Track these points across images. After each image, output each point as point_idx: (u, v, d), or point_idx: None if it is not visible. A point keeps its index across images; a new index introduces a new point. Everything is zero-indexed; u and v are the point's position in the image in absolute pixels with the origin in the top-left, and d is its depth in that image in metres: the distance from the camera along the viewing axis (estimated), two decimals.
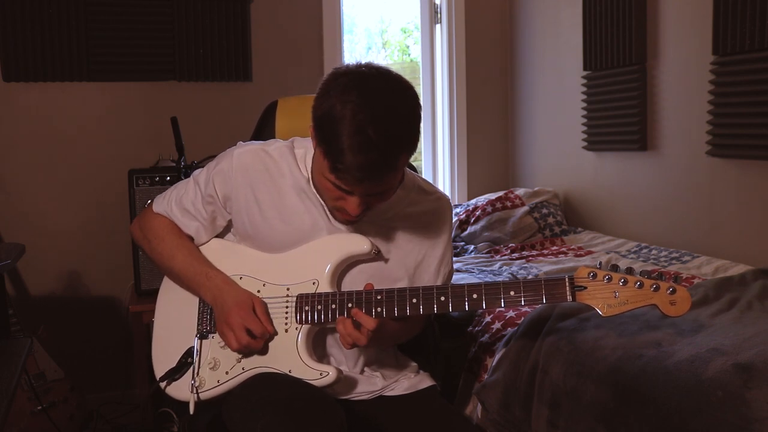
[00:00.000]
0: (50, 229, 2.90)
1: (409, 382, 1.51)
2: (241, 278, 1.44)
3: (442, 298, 1.32)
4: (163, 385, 1.44)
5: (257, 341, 1.37)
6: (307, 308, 1.38)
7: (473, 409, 1.90)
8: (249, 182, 1.43)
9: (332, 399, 1.32)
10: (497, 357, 1.82)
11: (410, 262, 1.46)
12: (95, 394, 2.85)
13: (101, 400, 2.84)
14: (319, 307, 1.36)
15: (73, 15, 2.83)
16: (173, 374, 1.43)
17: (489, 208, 3.12)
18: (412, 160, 2.21)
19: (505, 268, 2.57)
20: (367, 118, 1.17)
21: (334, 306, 1.35)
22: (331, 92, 1.22)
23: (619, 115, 2.84)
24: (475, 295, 1.31)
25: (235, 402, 1.31)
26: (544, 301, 1.30)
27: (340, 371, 1.35)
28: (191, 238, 1.51)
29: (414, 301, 1.33)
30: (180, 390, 1.43)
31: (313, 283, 1.40)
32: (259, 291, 1.43)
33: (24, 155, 2.87)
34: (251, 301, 1.39)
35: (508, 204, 3.14)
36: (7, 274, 2.50)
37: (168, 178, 2.45)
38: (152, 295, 1.65)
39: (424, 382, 1.54)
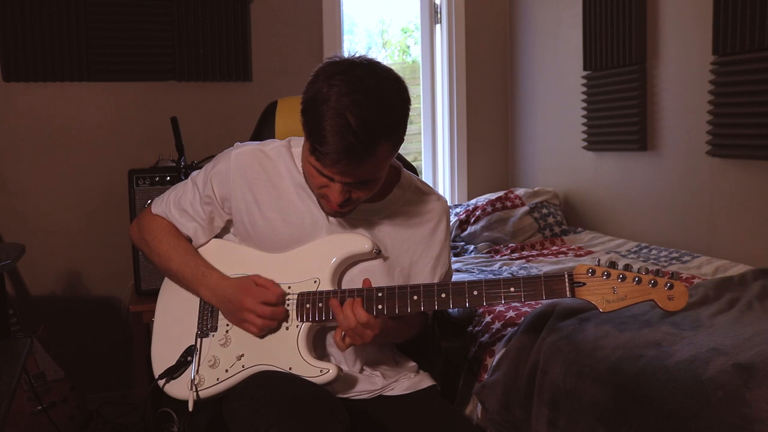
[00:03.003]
0: (50, 229, 2.90)
1: (409, 381, 1.51)
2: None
3: (443, 295, 1.33)
4: (161, 383, 1.44)
5: (279, 308, 1.37)
6: (308, 306, 1.38)
7: (473, 409, 1.90)
8: (247, 183, 1.44)
9: (335, 397, 1.32)
10: (497, 357, 1.82)
11: (405, 262, 1.47)
12: (95, 394, 2.85)
13: (101, 400, 2.84)
14: (320, 304, 1.36)
15: (73, 15, 2.83)
16: (172, 372, 1.43)
17: (489, 208, 3.12)
18: (411, 160, 2.21)
19: (505, 268, 2.58)
20: (349, 103, 1.19)
21: None
22: (320, 77, 1.25)
23: (619, 115, 2.84)
24: (475, 292, 1.31)
25: (238, 400, 1.30)
26: (544, 297, 1.30)
27: (340, 369, 1.35)
28: (190, 239, 1.51)
29: (415, 298, 1.33)
30: (179, 388, 1.42)
31: (315, 282, 1.40)
32: None
33: (24, 155, 2.87)
34: (248, 279, 1.40)
35: (508, 204, 3.14)
36: (7, 274, 2.50)
37: (168, 178, 2.45)
38: (152, 295, 1.65)
39: (424, 381, 1.53)
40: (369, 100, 1.21)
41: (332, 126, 1.20)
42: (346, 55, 1.29)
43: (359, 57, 1.28)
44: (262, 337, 1.40)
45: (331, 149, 1.21)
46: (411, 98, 1.30)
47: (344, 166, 1.23)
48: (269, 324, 1.38)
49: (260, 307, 1.37)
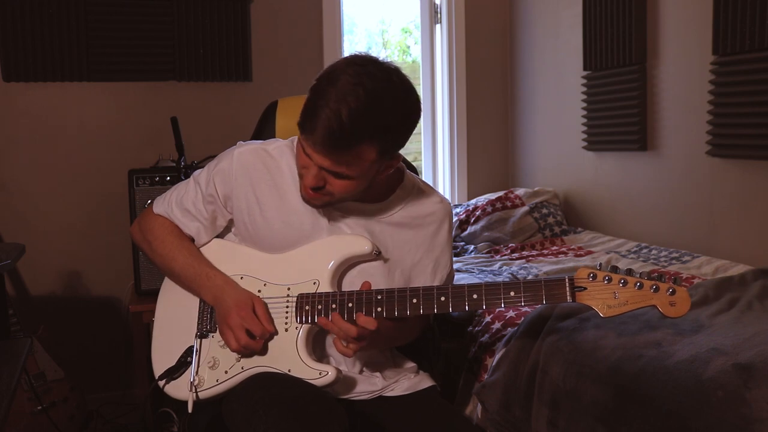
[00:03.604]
0: (50, 229, 2.90)
1: (409, 382, 1.51)
2: (242, 278, 1.44)
3: (443, 298, 1.32)
4: (161, 383, 1.44)
5: (257, 342, 1.37)
6: (307, 308, 1.38)
7: (473, 409, 1.90)
8: (250, 181, 1.44)
9: (334, 399, 1.32)
10: (497, 357, 1.82)
11: (407, 263, 1.46)
12: (95, 394, 2.85)
13: (101, 400, 2.84)
14: (320, 306, 1.36)
15: (73, 15, 2.83)
16: (172, 373, 1.43)
17: (489, 208, 3.12)
18: (411, 160, 2.21)
19: (505, 268, 2.57)
20: (350, 92, 1.21)
21: (334, 306, 1.35)
22: (342, 61, 1.27)
23: (619, 115, 2.84)
24: (475, 296, 1.31)
25: (238, 401, 1.30)
26: (544, 302, 1.30)
27: (339, 371, 1.34)
28: (192, 239, 1.51)
29: (414, 301, 1.33)
30: (179, 389, 1.42)
31: (314, 283, 1.40)
32: (259, 291, 1.43)
33: (24, 155, 2.87)
34: (251, 301, 1.39)
35: (508, 204, 3.14)
36: (7, 274, 2.50)
37: (168, 178, 2.45)
38: (152, 295, 1.65)
39: (424, 382, 1.53)
40: (368, 97, 1.22)
41: (325, 111, 1.21)
42: (375, 54, 1.31)
43: (386, 60, 1.29)
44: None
45: (314, 126, 1.23)
46: (419, 112, 1.32)
47: (321, 147, 1.25)
48: (241, 350, 1.38)
49: (240, 332, 1.36)
